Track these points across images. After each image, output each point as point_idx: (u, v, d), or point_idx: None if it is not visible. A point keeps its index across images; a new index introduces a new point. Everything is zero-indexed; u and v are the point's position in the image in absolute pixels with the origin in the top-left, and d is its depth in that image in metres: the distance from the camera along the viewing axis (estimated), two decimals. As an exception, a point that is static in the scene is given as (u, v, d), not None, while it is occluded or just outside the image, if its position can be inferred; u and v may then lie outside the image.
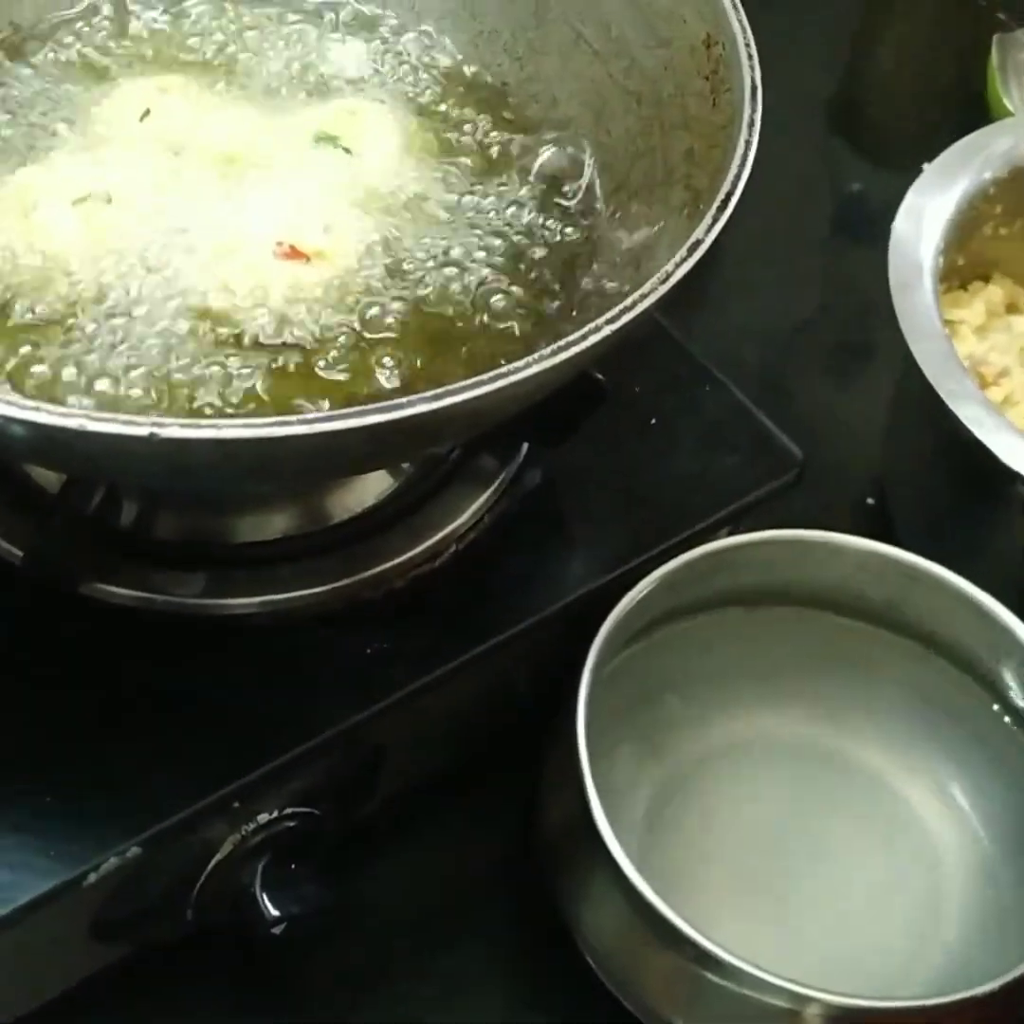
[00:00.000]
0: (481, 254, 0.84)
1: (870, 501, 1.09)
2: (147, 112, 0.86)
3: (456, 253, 0.84)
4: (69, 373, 0.77)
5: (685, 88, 0.82)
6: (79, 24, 0.93)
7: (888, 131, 1.44)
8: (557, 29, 0.91)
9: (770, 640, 0.95)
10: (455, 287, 0.83)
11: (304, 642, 0.83)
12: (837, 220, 1.35)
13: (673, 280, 0.70)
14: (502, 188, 0.87)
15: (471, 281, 0.83)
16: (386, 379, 0.78)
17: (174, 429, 0.63)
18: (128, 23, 0.94)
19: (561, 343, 0.67)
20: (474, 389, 0.65)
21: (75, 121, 0.87)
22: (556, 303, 0.83)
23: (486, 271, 0.84)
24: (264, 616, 0.83)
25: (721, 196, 0.73)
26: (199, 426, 0.64)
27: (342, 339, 0.79)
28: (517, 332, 0.82)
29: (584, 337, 0.68)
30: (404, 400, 0.65)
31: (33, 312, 0.79)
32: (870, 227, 1.19)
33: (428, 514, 0.86)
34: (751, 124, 0.76)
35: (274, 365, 0.78)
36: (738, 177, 0.73)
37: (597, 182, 0.87)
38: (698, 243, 0.71)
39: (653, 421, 0.92)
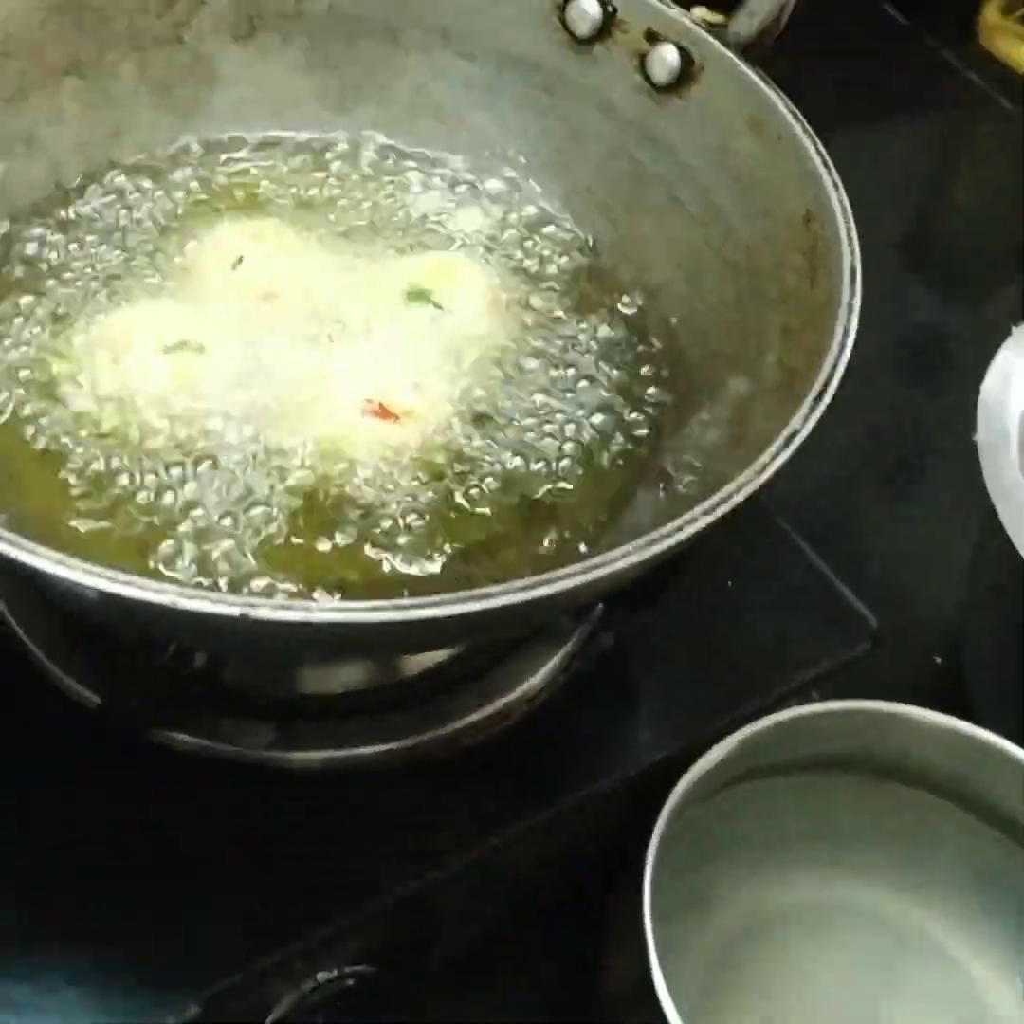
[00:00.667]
0: (570, 417, 0.84)
1: (938, 660, 1.07)
2: (240, 260, 0.86)
3: (544, 415, 0.83)
4: (147, 526, 0.77)
5: (783, 262, 0.82)
6: (175, 163, 0.93)
7: (959, 267, 1.44)
8: (652, 191, 0.90)
9: (833, 807, 0.94)
10: (545, 451, 0.82)
11: (371, 798, 0.82)
12: (907, 359, 1.35)
13: (770, 471, 0.70)
14: (592, 348, 0.87)
15: (561, 446, 0.83)
16: (475, 552, 0.78)
17: (265, 611, 0.63)
18: (223, 163, 0.94)
19: (655, 535, 0.67)
20: (578, 576, 0.65)
21: (169, 264, 0.88)
22: (644, 476, 0.82)
23: (575, 436, 0.83)
24: (332, 771, 0.82)
25: (818, 386, 0.72)
26: (291, 608, 0.63)
27: (429, 504, 0.79)
28: (602, 502, 0.81)
29: (679, 528, 0.67)
30: (498, 588, 0.64)
31: (116, 461, 0.79)
32: (945, 370, 1.19)
33: (501, 673, 0.86)
34: (850, 309, 0.75)
35: (360, 529, 0.77)
36: (835, 367, 0.73)
37: (688, 349, 0.86)
38: (795, 434, 0.71)
39: (729, 584, 0.92)
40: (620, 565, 0.66)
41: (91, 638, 0.83)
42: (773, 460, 0.70)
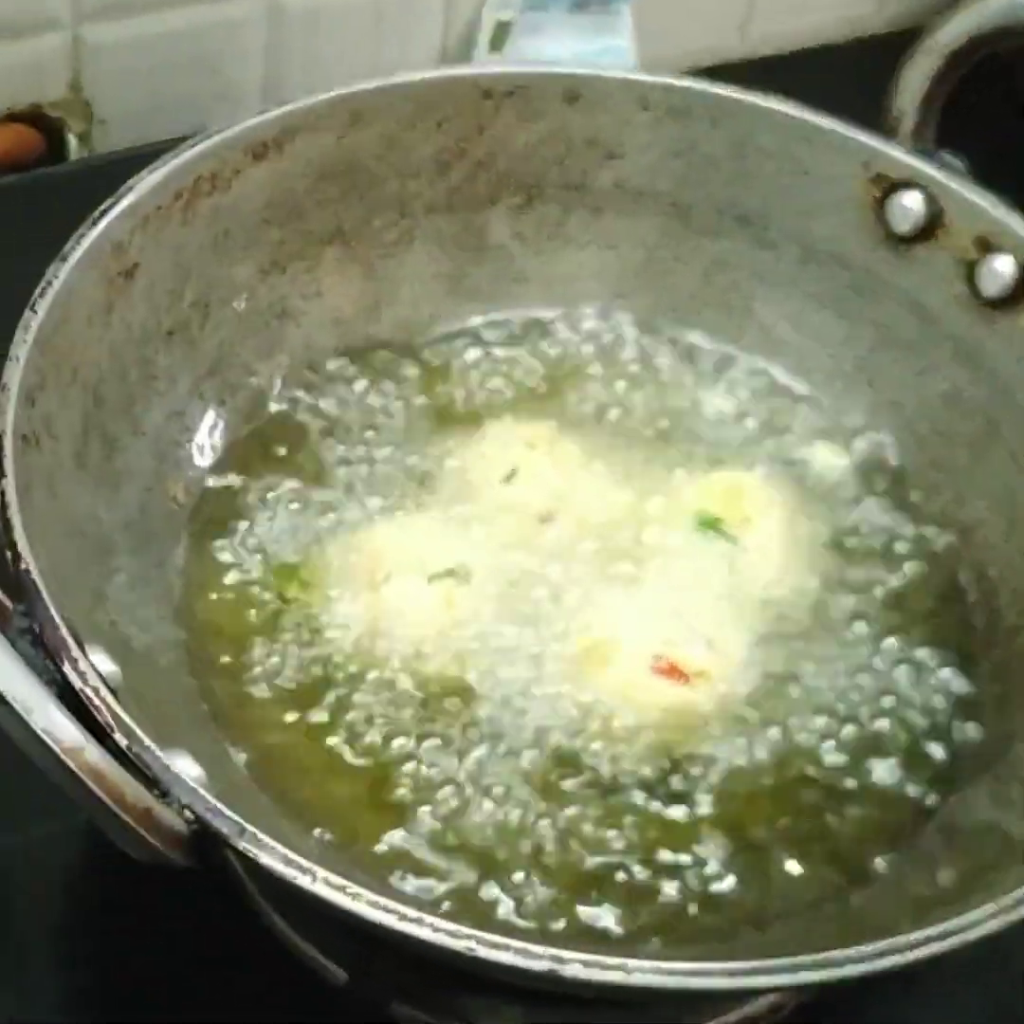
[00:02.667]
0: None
1: None
2: (513, 472, 0.78)
3: (841, 693, 0.74)
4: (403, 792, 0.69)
5: None
6: (439, 347, 0.85)
7: None
8: (969, 417, 0.81)
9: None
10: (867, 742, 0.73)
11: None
12: None
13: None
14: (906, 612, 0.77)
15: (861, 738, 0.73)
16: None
17: (577, 968, 0.55)
18: (489, 349, 0.85)
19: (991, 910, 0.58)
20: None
21: (436, 471, 0.79)
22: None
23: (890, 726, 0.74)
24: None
25: None
26: (605, 967, 0.55)
27: (731, 793, 0.70)
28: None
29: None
30: (855, 952, 0.56)
31: (360, 698, 0.71)
32: None
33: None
34: None
35: (649, 818, 0.69)
36: None
37: (1006, 614, 0.77)
38: None
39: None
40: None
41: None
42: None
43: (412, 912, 0.55)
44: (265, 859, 0.55)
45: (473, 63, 1.10)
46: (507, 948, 0.55)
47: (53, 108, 1.09)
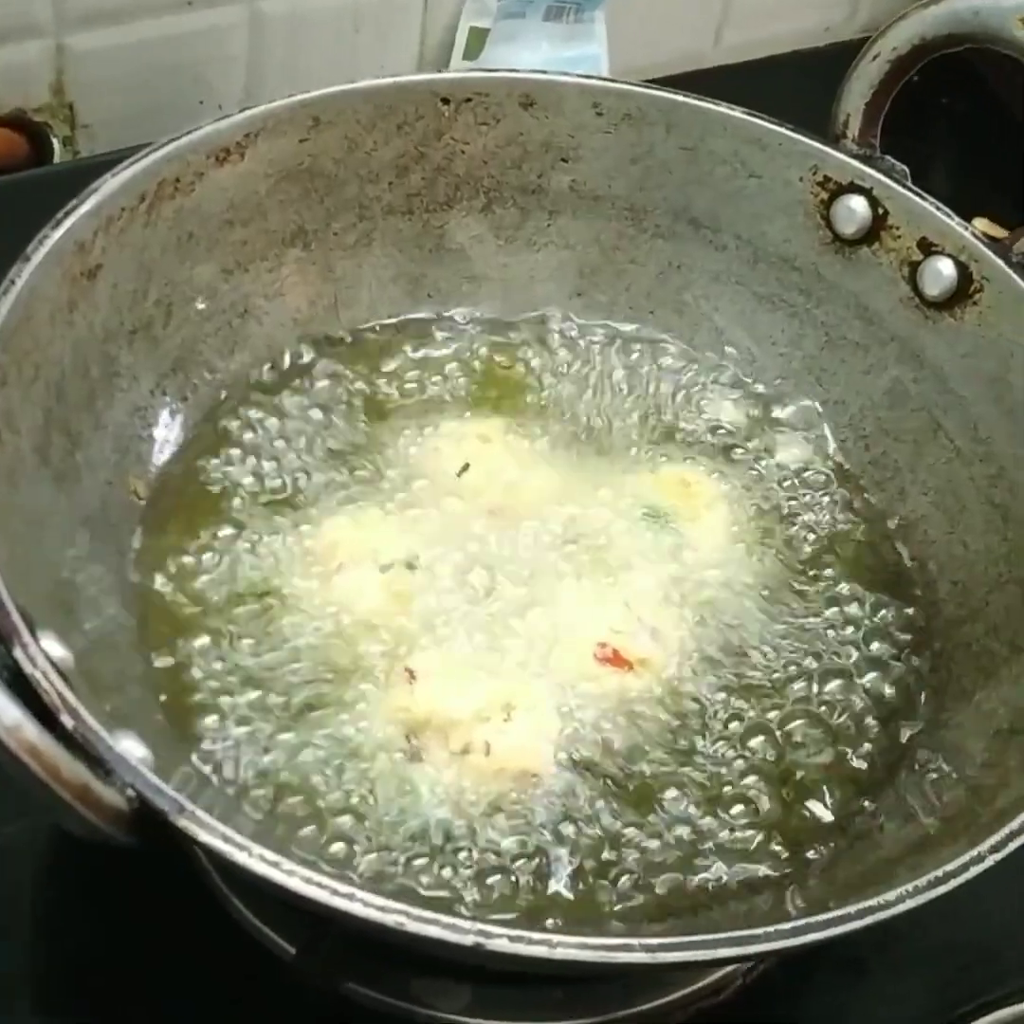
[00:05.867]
0: (822, 677, 0.76)
1: None
2: (466, 467, 0.80)
3: (790, 677, 0.76)
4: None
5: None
6: (394, 345, 0.87)
7: None
8: (913, 415, 0.83)
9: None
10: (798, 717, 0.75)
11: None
12: None
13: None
14: (842, 595, 0.79)
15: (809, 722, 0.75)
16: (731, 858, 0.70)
17: (502, 942, 0.57)
18: (445, 347, 0.87)
19: (940, 874, 0.59)
20: (849, 923, 0.58)
21: (392, 466, 0.81)
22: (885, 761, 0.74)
23: (821, 710, 0.75)
24: (530, 1042, 0.75)
25: None
26: (530, 941, 0.57)
27: (668, 779, 0.71)
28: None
29: (964, 867, 0.60)
30: (774, 929, 0.58)
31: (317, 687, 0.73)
32: None
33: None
34: None
35: (590, 800, 0.71)
36: None
37: (948, 604, 0.78)
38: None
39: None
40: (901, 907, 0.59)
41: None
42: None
43: (344, 887, 0.57)
44: (203, 836, 0.57)
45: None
46: (435, 923, 0.57)
47: (37, 113, 1.11)
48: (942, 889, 0.59)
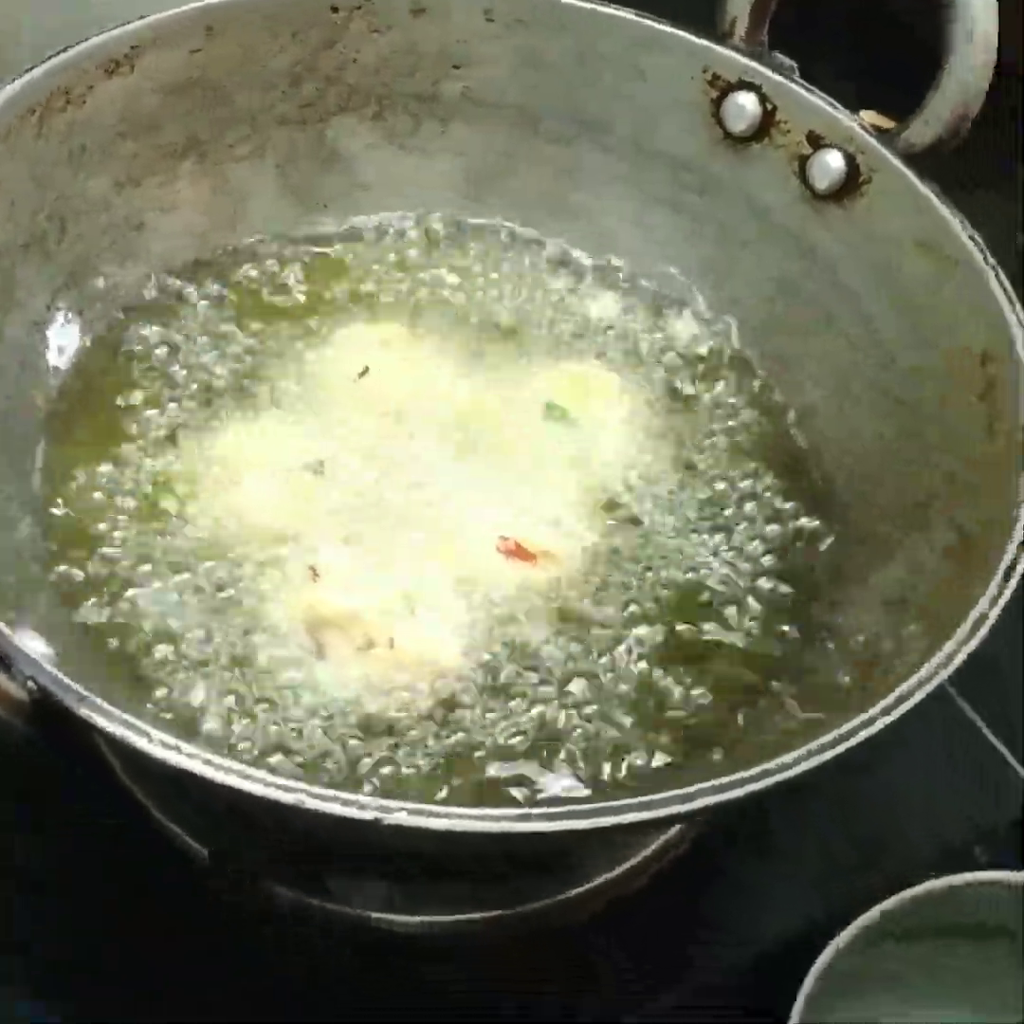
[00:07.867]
0: (720, 565, 0.77)
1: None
2: (365, 370, 0.80)
3: (692, 563, 0.77)
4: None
5: (951, 403, 0.75)
6: (292, 255, 0.87)
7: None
8: (806, 307, 0.84)
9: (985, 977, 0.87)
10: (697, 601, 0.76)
11: (485, 970, 0.76)
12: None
13: (954, 664, 0.63)
14: (742, 482, 0.80)
15: (713, 598, 0.76)
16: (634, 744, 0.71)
17: (401, 815, 0.58)
18: (342, 255, 0.88)
19: (833, 737, 0.61)
20: (748, 785, 0.59)
21: (288, 371, 0.81)
22: (790, 638, 0.76)
23: (724, 587, 0.77)
24: (446, 936, 0.76)
25: (1004, 565, 0.66)
26: (430, 814, 0.58)
27: (574, 671, 0.73)
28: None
29: (855, 731, 0.61)
30: (658, 797, 0.59)
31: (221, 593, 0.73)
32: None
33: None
34: (1038, 470, 0.69)
35: (493, 690, 0.72)
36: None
37: (843, 489, 0.80)
38: (983, 618, 0.64)
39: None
40: (798, 769, 0.60)
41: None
42: (960, 648, 0.63)
43: (243, 767, 0.58)
44: (102, 722, 0.58)
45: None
46: (336, 799, 0.57)
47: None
48: (838, 749, 0.60)
